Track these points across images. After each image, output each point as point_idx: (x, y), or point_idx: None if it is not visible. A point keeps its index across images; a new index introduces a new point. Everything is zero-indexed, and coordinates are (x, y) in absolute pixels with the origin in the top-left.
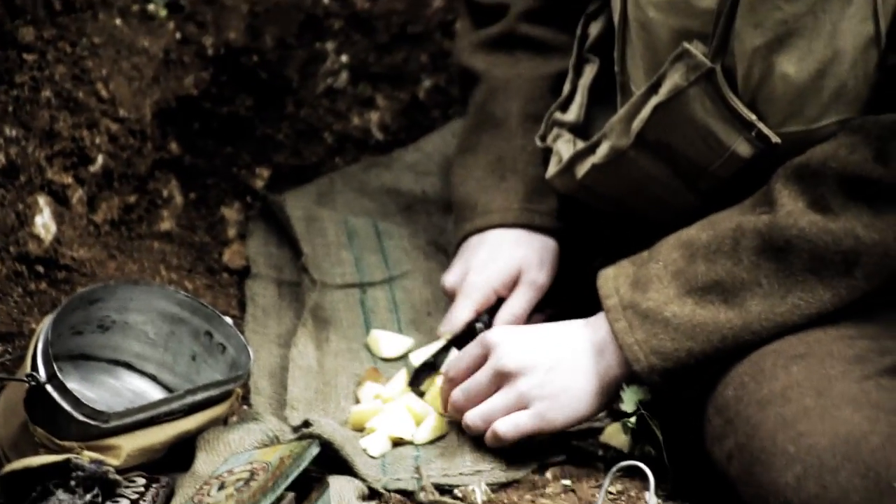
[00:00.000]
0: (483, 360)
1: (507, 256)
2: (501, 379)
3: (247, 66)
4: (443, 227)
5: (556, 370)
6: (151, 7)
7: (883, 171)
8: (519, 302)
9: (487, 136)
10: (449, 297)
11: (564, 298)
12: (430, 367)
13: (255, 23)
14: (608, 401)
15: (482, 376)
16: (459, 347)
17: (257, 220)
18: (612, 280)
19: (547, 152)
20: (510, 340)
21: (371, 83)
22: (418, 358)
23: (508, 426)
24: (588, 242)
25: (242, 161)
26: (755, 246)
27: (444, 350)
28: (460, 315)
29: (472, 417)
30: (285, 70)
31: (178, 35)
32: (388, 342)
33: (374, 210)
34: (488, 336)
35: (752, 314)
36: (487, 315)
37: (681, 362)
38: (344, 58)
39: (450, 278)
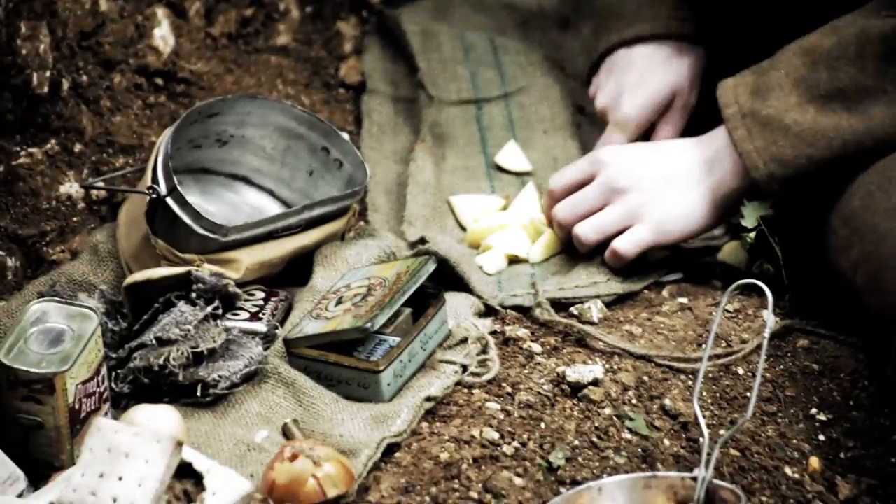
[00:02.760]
0: (590, 177)
1: (659, 80)
2: (611, 194)
3: None
4: (559, 42)
5: (669, 184)
6: None
7: None
8: (671, 128)
9: None
10: (600, 117)
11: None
12: None
13: None
14: (722, 215)
15: (591, 191)
16: None
17: (373, 35)
18: (732, 89)
19: None
20: (620, 157)
21: None
22: None
23: (627, 242)
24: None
25: None
26: (880, 52)
27: None
28: None
29: (583, 229)
30: None
31: None
32: (516, 157)
33: (491, 25)
34: (598, 154)
35: (875, 120)
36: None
37: (801, 169)
38: None
39: (601, 99)
